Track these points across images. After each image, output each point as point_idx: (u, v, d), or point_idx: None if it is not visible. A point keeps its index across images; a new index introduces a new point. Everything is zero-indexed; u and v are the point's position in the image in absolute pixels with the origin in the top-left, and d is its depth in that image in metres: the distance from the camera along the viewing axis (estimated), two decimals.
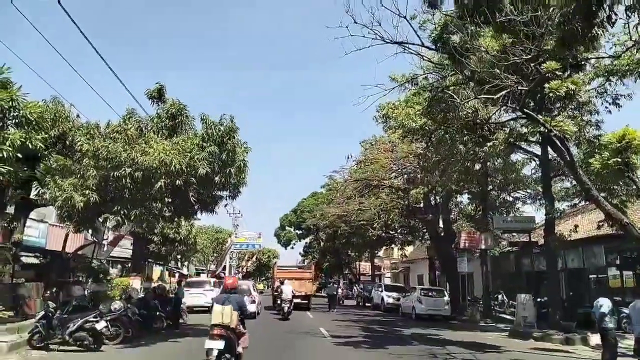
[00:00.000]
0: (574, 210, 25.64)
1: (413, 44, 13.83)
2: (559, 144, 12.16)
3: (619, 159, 12.21)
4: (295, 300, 23.64)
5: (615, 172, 12.71)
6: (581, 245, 19.56)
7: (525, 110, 11.82)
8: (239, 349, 8.07)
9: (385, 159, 25.98)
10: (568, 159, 12.26)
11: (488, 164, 23.45)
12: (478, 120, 17.43)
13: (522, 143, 19.30)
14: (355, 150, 64.62)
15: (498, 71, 11.53)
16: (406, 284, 45.33)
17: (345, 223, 30.35)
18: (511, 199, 24.96)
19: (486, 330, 19.80)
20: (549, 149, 18.63)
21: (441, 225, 27.85)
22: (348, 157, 26.27)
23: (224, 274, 49.65)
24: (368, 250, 47.99)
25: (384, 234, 32.41)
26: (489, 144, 17.10)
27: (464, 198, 30.50)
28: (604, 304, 11.37)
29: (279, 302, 22.71)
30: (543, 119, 11.56)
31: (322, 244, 57.04)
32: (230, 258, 56.42)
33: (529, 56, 11.82)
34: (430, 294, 24.60)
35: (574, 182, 18.49)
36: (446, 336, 17.31)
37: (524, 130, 17.96)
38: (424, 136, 19.06)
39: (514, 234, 24.87)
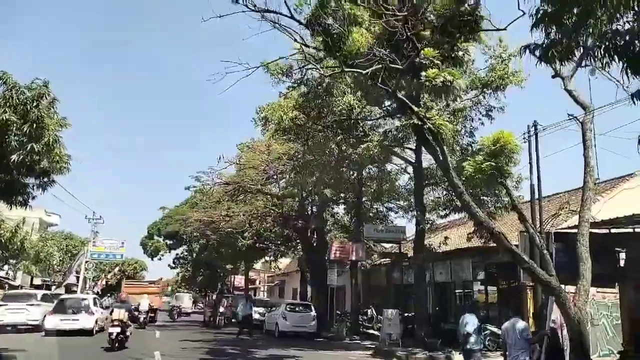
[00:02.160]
0: (445, 224, 25.62)
1: (281, 14, 11.82)
2: (433, 141, 10.89)
3: (493, 163, 11.31)
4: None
5: (488, 177, 11.80)
6: (450, 258, 19.04)
7: (398, 95, 10.34)
8: (128, 333, 15.32)
9: (259, 161, 23.74)
10: (441, 158, 11.03)
11: (363, 172, 22.42)
12: (353, 118, 16.11)
13: (397, 149, 18.38)
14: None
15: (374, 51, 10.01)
16: (281, 298, 43.30)
17: (213, 231, 27.37)
18: (385, 209, 24.16)
19: (351, 349, 18.27)
20: (423, 155, 17.92)
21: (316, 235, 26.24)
22: (219, 159, 23.55)
23: (77, 285, 44.67)
24: (241, 262, 45.31)
25: (257, 244, 30.02)
26: (362, 146, 15.75)
27: (340, 209, 29.45)
28: (470, 322, 10.15)
29: (135, 313, 22.68)
30: (417, 109, 10.15)
31: (194, 255, 52.99)
32: (86, 269, 49.74)
33: (406, 40, 10.51)
34: (296, 309, 22.65)
35: (446, 191, 17.87)
36: (305, 358, 15.35)
37: (399, 133, 16.97)
38: (297, 134, 17.21)
39: (385, 245, 24.06)
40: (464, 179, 12.32)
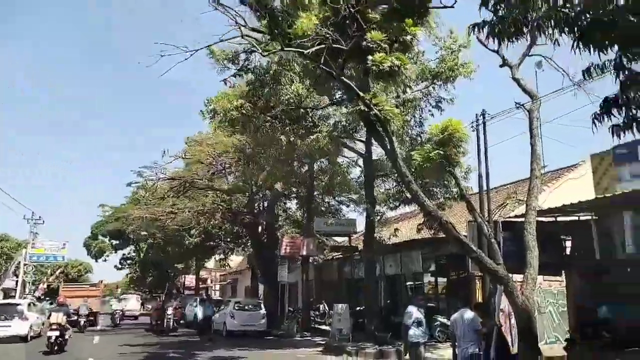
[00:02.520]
0: (397, 217, 25.53)
1: None
2: (381, 129, 10.48)
3: (441, 152, 11.04)
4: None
5: (436, 167, 11.53)
6: (400, 250, 18.85)
7: (342, 79, 9.83)
8: (67, 336, 15.21)
9: (206, 155, 22.72)
10: (389, 147, 10.62)
11: (315, 166, 21.92)
12: (301, 107, 15.55)
13: (347, 140, 17.98)
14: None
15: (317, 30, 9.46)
16: (234, 296, 42.20)
17: (158, 229, 26.05)
18: (336, 203, 23.75)
19: (301, 346, 17.75)
20: (373, 147, 17.60)
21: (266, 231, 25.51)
22: (164, 153, 22.33)
23: (16, 290, 41.92)
24: (192, 261, 43.90)
25: (206, 242, 28.92)
26: (312, 137, 15.21)
27: (293, 204, 28.85)
28: (409, 313, 9.87)
29: (75, 317, 22.20)
30: (363, 95, 9.68)
31: (141, 255, 50.97)
32: (25, 272, 46.67)
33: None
34: (245, 307, 21.87)
35: (396, 183, 17.63)
36: (252, 358, 14.70)
37: (349, 124, 16.56)
38: (244, 125, 16.45)
39: (337, 239, 23.68)
40: (413, 169, 12.08)
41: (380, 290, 21.72)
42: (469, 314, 7.68)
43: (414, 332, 8.70)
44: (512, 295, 9.80)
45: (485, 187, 13.21)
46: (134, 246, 50.86)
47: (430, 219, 10.82)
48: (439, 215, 10.63)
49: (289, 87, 14.56)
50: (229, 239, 29.58)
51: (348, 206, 23.85)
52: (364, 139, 17.80)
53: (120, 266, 57.46)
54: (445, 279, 20.09)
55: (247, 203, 24.20)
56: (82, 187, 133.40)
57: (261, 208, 26.74)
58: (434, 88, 17.07)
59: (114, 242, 51.78)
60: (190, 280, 54.91)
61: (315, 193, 23.26)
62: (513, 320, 17.12)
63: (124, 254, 55.19)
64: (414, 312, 9.28)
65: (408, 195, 17.35)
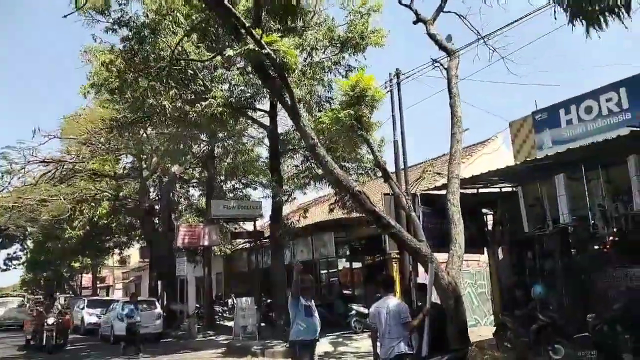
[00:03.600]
0: (309, 202, 23.76)
1: None
2: (276, 76, 8.42)
3: (352, 112, 9.23)
4: None
5: (347, 130, 9.74)
6: (311, 234, 16.98)
7: (229, 6, 7.57)
8: None
9: (84, 132, 19.30)
10: (289, 101, 8.62)
11: (217, 148, 19.39)
12: (189, 68, 13.04)
13: (249, 111, 15.73)
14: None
15: None
16: (137, 295, 38.25)
17: (30, 221, 22.01)
18: (242, 185, 21.41)
19: (202, 348, 15.38)
20: (278, 119, 15.54)
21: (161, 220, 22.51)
22: (35, 132, 18.61)
23: None
24: (87, 259, 39.27)
25: (93, 236, 25.19)
26: (203, 103, 12.77)
27: (196, 192, 26.01)
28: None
29: None
30: (252, 29, 7.51)
31: (28, 254, 45.02)
32: None
33: None
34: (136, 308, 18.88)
35: (305, 158, 15.69)
36: None
37: (249, 89, 14.31)
38: (120, 90, 13.59)
39: (247, 227, 21.36)
40: (321, 135, 10.19)
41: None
42: (393, 302, 5.82)
43: (295, 329, 6.69)
44: (437, 276, 8.30)
45: (402, 156, 11.62)
46: (19, 244, 44.72)
47: (341, 190, 8.96)
48: (351, 184, 8.82)
49: (171, 40, 11.98)
50: (120, 231, 26.00)
51: (255, 189, 21.64)
52: (267, 110, 15.66)
53: (4, 267, 50.46)
54: (360, 264, 18.70)
55: (139, 189, 21.03)
56: None
57: (158, 196, 23.68)
58: (343, 58, 15.27)
59: None
60: (87, 280, 49.75)
61: (218, 177, 20.77)
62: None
63: (8, 254, 48.48)
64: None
65: (319, 171, 15.52)
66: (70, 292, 48.53)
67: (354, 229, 16.80)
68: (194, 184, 24.86)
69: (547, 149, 11.49)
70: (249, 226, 23.54)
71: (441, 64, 10.98)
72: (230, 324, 20.43)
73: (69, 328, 18.04)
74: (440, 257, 8.74)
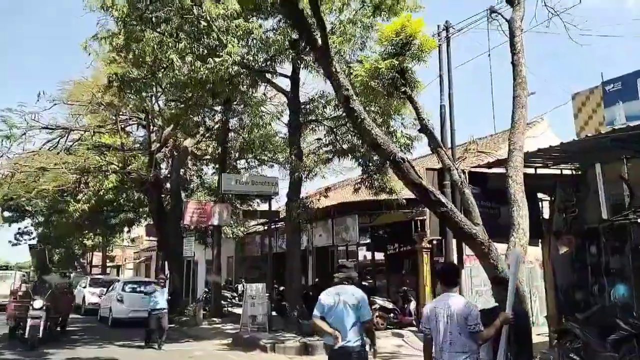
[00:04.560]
0: (333, 185, 21.98)
1: None
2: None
3: (395, 62, 7.48)
4: None
5: (387, 86, 7.98)
6: (332, 216, 15.18)
7: None
8: None
9: (89, 96, 17.78)
10: (319, 37, 6.88)
11: (231, 118, 17.74)
12: (202, 19, 11.36)
13: (268, 75, 13.99)
14: None
15: None
16: (148, 277, 37.10)
17: (29, 191, 20.60)
18: (257, 162, 19.73)
19: (205, 337, 13.88)
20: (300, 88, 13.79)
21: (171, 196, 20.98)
22: (40, 95, 17.16)
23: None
24: (98, 237, 38.24)
25: (99, 210, 23.80)
26: (217, 59, 11.08)
27: (210, 169, 24.44)
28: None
29: None
30: None
31: (40, 229, 44.15)
32: None
33: None
34: (137, 289, 17.48)
35: (330, 130, 13.91)
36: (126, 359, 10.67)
37: (270, 47, 12.53)
38: (127, 47, 11.96)
39: (255, 203, 19.71)
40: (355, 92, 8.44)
41: (311, 266, 18.20)
42: (457, 302, 4.06)
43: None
44: (497, 270, 6.59)
45: (449, 124, 9.71)
46: (30, 218, 43.90)
47: (380, 155, 7.18)
48: (392, 148, 7.06)
49: None
50: (127, 208, 24.61)
51: (272, 166, 19.94)
52: (289, 74, 13.94)
53: (15, 242, 49.82)
54: (382, 254, 17.01)
55: (148, 162, 19.51)
56: None
57: (169, 173, 22.17)
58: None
59: (7, 214, 44.39)
60: (99, 258, 48.90)
61: (233, 153, 19.15)
62: None
63: (19, 228, 47.75)
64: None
65: (344, 145, 13.79)
66: (80, 270, 47.75)
67: (378, 215, 15.04)
68: (207, 160, 23.28)
69: (620, 126, 9.58)
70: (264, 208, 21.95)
71: (501, 15, 9.11)
72: (238, 311, 18.99)
73: (69, 311, 15.26)
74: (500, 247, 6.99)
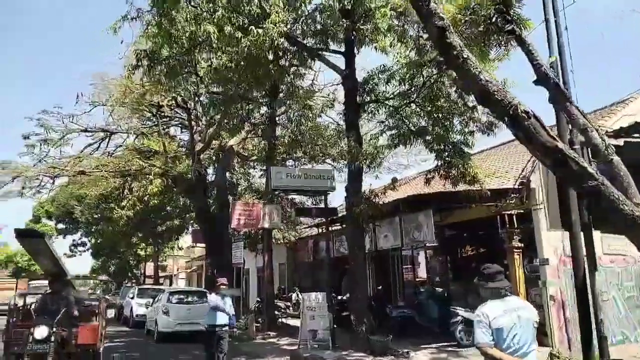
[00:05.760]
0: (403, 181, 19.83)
1: None
2: None
3: None
4: None
5: (483, 23, 5.95)
6: (399, 213, 12.95)
7: None
8: None
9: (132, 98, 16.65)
10: None
11: (277, 111, 16.12)
12: None
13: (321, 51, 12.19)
14: None
15: None
16: (200, 285, 36.14)
17: (77, 199, 19.79)
18: (307, 158, 17.92)
19: (260, 355, 12.10)
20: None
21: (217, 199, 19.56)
22: (78, 97, 16.27)
23: None
24: (151, 246, 37.86)
25: (144, 217, 22.79)
26: (259, 30, 9.39)
27: (257, 172, 22.94)
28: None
29: None
30: None
31: (93, 240, 44.43)
32: None
33: None
34: (184, 299, 16.02)
35: (394, 110, 11.87)
36: None
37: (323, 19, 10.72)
38: (158, 24, 10.44)
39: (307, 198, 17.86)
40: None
41: (369, 272, 16.15)
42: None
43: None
44: None
45: (561, 79, 7.39)
46: (84, 229, 44.27)
47: (492, 108, 5.10)
48: (509, 99, 5.01)
49: None
50: (173, 214, 23.49)
51: (323, 162, 18.10)
52: (342, 50, 12.09)
53: (71, 253, 50.59)
54: (451, 256, 14.78)
55: (192, 165, 18.19)
56: None
57: (214, 174, 20.85)
58: None
59: (62, 226, 44.95)
60: (150, 268, 48.78)
61: (279, 148, 17.46)
62: (569, 313, 11.49)
63: (74, 240, 48.42)
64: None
65: (411, 126, 11.71)
66: (134, 281, 47.77)
67: (453, 210, 12.80)
68: (254, 162, 21.80)
69: None
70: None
71: None
72: (294, 322, 17.23)
73: (95, 340, 8.69)
74: None
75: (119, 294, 28.33)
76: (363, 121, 13.35)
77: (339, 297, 15.94)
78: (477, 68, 4.93)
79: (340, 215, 14.33)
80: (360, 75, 12.41)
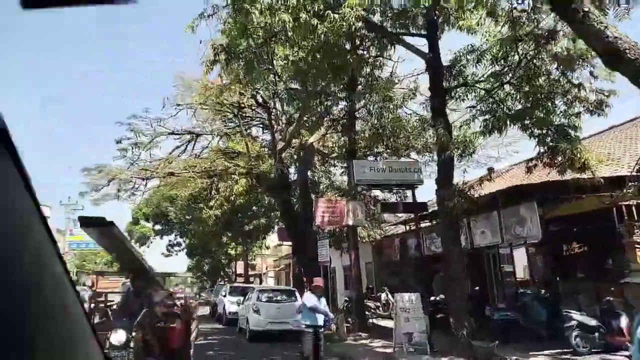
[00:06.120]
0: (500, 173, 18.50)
1: None
2: None
3: None
4: None
5: None
6: (498, 206, 11.72)
7: None
8: None
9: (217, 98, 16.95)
10: None
11: (357, 104, 15.56)
12: None
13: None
14: None
15: None
16: (288, 283, 36.56)
17: (169, 200, 20.65)
18: (389, 152, 17.08)
19: (354, 357, 11.61)
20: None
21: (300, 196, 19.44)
22: (165, 102, 16.88)
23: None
24: (239, 246, 38.99)
25: (231, 217, 23.26)
26: (336, 15, 8.91)
27: (338, 170, 22.51)
28: None
29: None
30: None
31: (187, 240, 46.73)
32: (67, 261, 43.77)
33: None
34: (273, 298, 15.97)
35: (486, 93, 10.82)
36: None
37: None
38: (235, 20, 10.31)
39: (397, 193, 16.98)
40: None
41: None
42: None
43: None
44: None
45: None
46: (178, 230, 46.69)
47: (622, 67, 4.14)
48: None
49: None
50: (259, 213, 23.78)
51: (407, 156, 17.21)
52: (425, 34, 11.24)
53: (168, 253, 53.68)
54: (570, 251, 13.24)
55: (274, 164, 18.19)
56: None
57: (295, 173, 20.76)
58: None
59: (157, 227, 47.77)
60: (240, 267, 50.32)
61: (359, 142, 16.87)
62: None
63: (170, 240, 51.31)
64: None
65: (506, 110, 10.60)
66: (227, 279, 49.61)
67: (560, 202, 11.41)
68: (334, 159, 21.38)
69: None
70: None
71: None
72: (385, 323, 16.58)
73: (184, 341, 8.18)
74: None
75: (213, 291, 29.42)
76: (448, 110, 12.32)
77: (431, 298, 15.06)
78: (601, 23, 4.01)
79: (430, 210, 13.43)
80: (445, 60, 11.50)
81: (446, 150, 9.96)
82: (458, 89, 11.13)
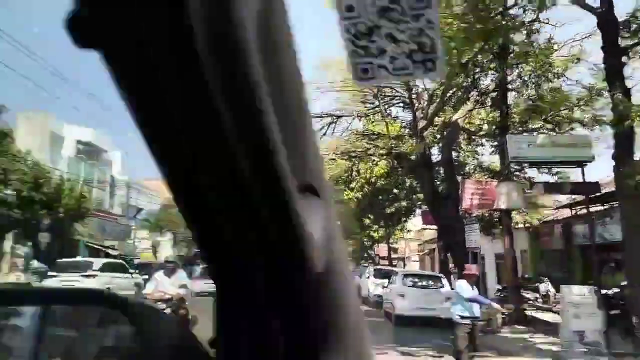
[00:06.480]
0: None
1: None
2: None
3: None
4: None
5: None
6: None
7: None
8: None
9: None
10: None
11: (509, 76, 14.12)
12: None
13: None
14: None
15: None
16: (433, 271, 35.48)
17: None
18: (548, 127, 15.15)
19: (512, 352, 10.55)
20: None
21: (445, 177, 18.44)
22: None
23: None
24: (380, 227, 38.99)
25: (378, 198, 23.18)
26: None
27: (487, 149, 20.82)
28: None
29: None
30: None
31: None
32: None
33: None
34: (419, 283, 15.39)
35: None
36: None
37: None
38: None
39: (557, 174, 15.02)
40: None
41: None
42: None
43: None
44: None
45: None
46: None
47: None
48: None
49: None
50: (401, 196, 23.22)
51: (570, 132, 15.10)
52: None
53: None
54: None
55: (415, 144, 17.45)
56: None
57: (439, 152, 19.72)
58: None
59: None
60: (383, 250, 50.43)
61: (513, 117, 15.27)
62: None
63: None
64: None
65: None
66: (370, 261, 50.12)
67: None
68: (481, 139, 19.75)
69: None
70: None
71: None
72: (545, 317, 15.02)
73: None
74: None
75: (358, 274, 29.87)
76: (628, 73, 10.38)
77: (605, 292, 13.15)
78: None
79: (603, 192, 11.60)
80: (620, 14, 9.65)
81: (626, 119, 8.35)
82: (638, 48, 9.29)
